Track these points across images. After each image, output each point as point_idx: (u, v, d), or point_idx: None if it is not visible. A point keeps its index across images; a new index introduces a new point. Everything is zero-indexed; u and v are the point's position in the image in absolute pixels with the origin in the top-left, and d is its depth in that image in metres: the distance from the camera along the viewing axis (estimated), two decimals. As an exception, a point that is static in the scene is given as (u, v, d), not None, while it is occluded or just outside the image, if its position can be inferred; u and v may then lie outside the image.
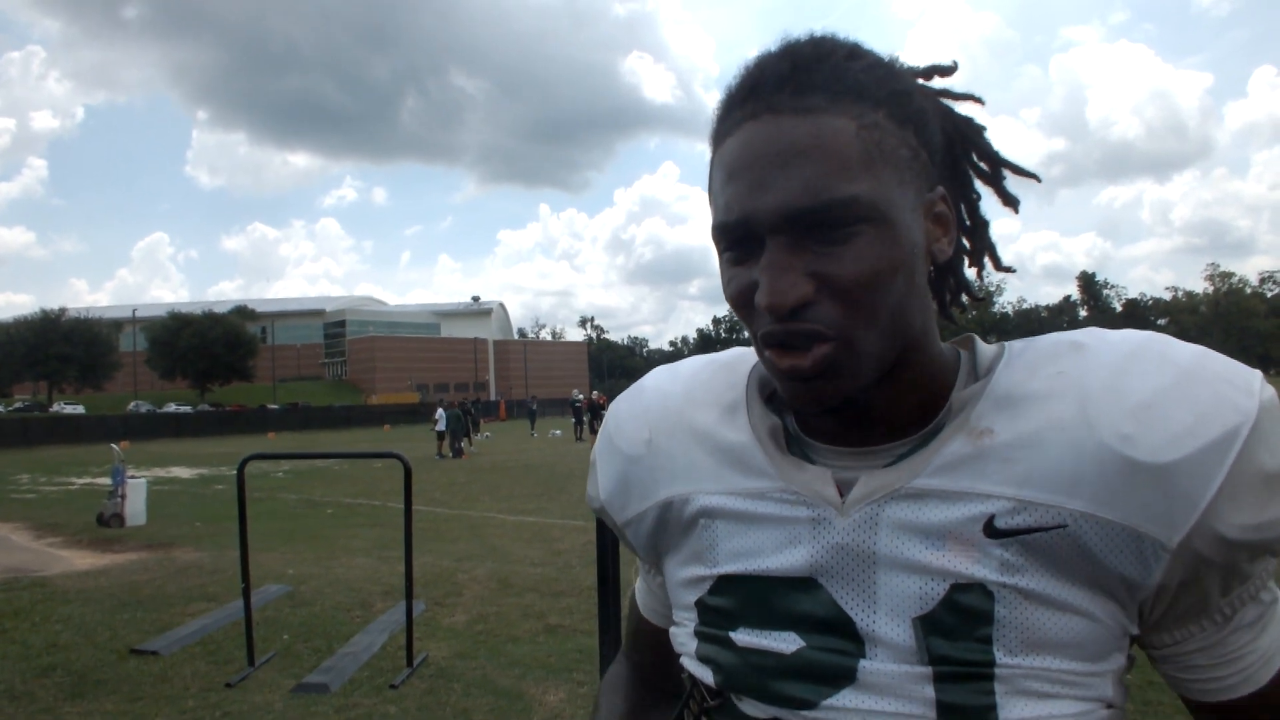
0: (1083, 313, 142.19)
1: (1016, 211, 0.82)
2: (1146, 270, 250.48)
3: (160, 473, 20.42)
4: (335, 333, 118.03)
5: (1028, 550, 0.64)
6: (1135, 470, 0.61)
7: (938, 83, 0.80)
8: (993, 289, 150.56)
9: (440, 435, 23.79)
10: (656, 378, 0.86)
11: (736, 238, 0.67)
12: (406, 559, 5.10)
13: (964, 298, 0.85)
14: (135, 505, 11.28)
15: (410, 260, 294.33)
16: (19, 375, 73.50)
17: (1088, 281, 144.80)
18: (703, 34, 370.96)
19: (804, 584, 0.70)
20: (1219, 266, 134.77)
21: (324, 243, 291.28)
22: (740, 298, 0.68)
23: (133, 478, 11.64)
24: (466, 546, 9.11)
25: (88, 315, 78.90)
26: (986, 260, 0.85)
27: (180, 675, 4.96)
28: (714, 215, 0.68)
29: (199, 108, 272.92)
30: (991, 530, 0.64)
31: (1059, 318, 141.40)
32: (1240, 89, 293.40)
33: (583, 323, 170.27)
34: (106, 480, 13.05)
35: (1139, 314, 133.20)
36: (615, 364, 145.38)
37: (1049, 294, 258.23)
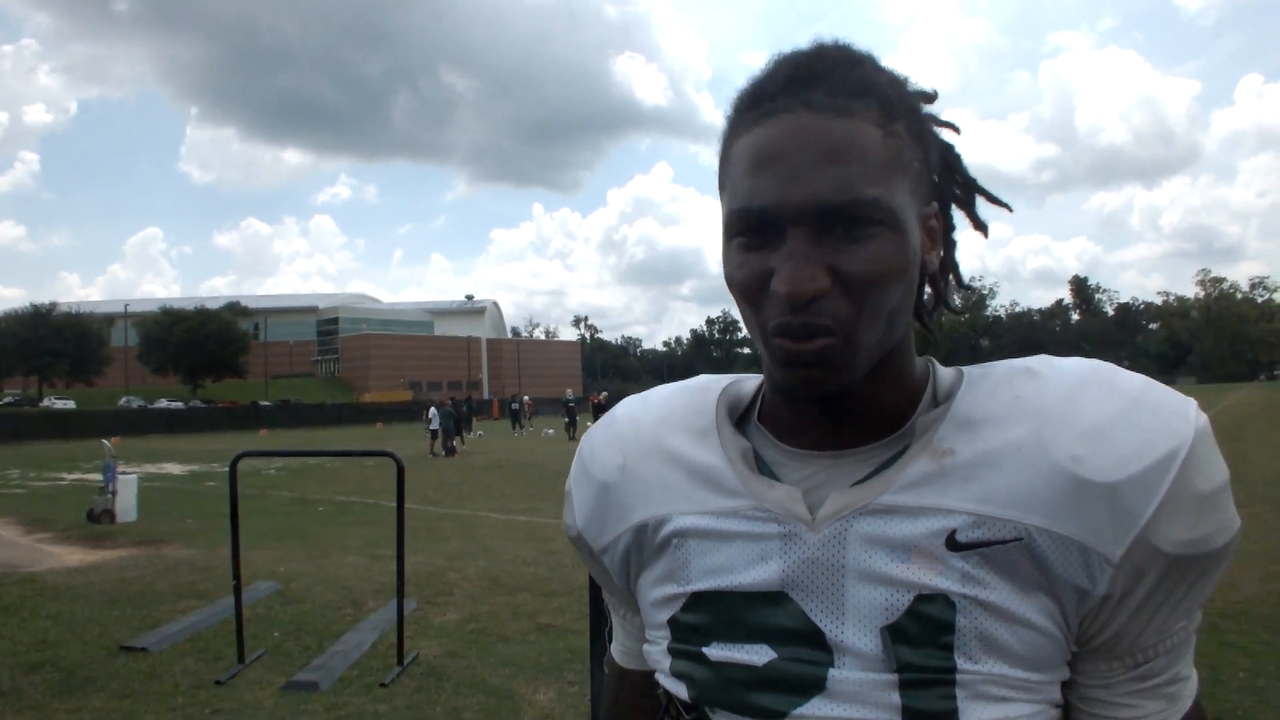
0: (1075, 316, 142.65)
1: (986, 236, 0.86)
2: (1136, 275, 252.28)
3: (151, 469, 20.33)
4: (328, 330, 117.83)
5: (987, 563, 0.67)
6: (1085, 488, 0.65)
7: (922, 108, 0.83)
8: (986, 292, 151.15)
9: (433, 434, 23.76)
10: (628, 407, 0.88)
11: (754, 225, 0.68)
12: (399, 557, 5.10)
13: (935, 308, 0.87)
14: (126, 501, 11.22)
15: (403, 258, 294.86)
16: (10, 369, 73.26)
17: (1080, 285, 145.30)
18: (696, 36, 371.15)
19: (775, 597, 0.72)
20: (1210, 272, 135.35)
21: (317, 240, 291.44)
22: (752, 284, 0.69)
23: (124, 474, 11.58)
24: (458, 545, 9.10)
25: (79, 310, 78.71)
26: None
27: (170, 672, 4.95)
28: (731, 201, 0.70)
29: (191, 103, 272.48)
30: (953, 544, 0.68)
31: (1051, 321, 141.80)
32: (1228, 97, 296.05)
33: (576, 322, 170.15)
34: (97, 476, 13.02)
35: (1131, 318, 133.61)
36: (609, 364, 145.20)
37: (1040, 298, 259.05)
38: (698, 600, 0.76)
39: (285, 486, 15.84)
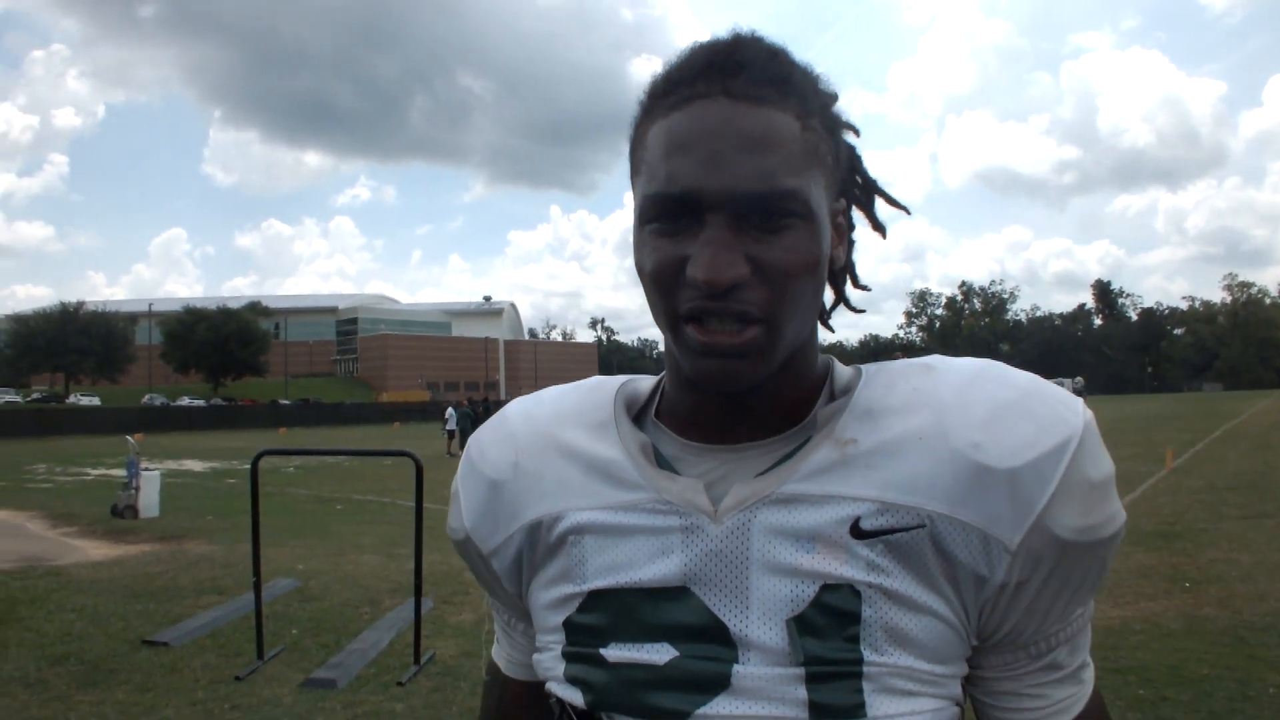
0: (1097, 321, 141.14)
1: (884, 237, 0.86)
2: (1160, 279, 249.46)
3: (173, 465, 20.54)
4: (347, 330, 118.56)
5: (891, 551, 0.67)
6: (984, 474, 0.66)
7: None
8: (1006, 296, 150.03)
9: (450, 434, 23.86)
10: (520, 404, 0.85)
11: (671, 210, 0.67)
12: (416, 557, 5.11)
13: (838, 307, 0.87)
14: (149, 497, 11.36)
15: (421, 259, 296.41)
16: (37, 366, 74.18)
17: (1103, 290, 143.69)
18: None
19: (676, 593, 0.70)
20: (1237, 276, 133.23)
21: (336, 240, 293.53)
22: (665, 270, 0.67)
23: (146, 470, 11.73)
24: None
25: (105, 309, 79.56)
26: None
27: (190, 667, 4.99)
28: (647, 185, 0.68)
29: (213, 106, 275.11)
30: (858, 531, 0.67)
31: (1073, 325, 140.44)
32: (1255, 97, 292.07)
33: (593, 324, 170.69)
34: (121, 472, 13.14)
35: (1155, 323, 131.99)
36: (625, 365, 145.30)
37: (1061, 302, 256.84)
38: (595, 599, 0.73)
39: (303, 485, 15.95)
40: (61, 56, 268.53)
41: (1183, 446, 18.84)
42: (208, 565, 7.85)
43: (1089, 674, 0.75)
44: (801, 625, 0.67)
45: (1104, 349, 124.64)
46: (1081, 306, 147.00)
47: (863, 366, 0.77)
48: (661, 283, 0.68)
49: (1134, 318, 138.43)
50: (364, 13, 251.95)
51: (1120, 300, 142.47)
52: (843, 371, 0.77)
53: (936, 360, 0.75)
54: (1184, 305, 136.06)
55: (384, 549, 8.75)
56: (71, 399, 68.55)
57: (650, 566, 0.71)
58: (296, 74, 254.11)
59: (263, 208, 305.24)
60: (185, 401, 68.59)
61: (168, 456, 23.68)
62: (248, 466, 5.38)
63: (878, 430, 0.69)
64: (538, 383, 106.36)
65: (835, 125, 0.74)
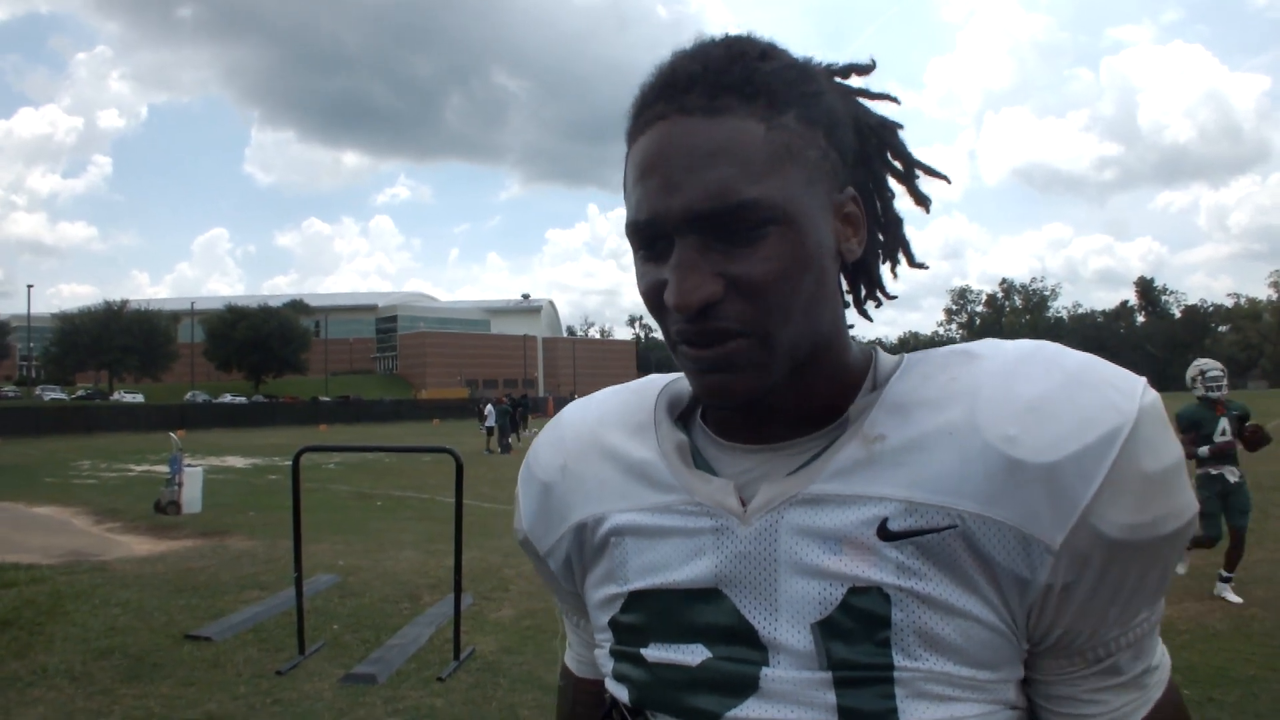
0: (1140, 318, 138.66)
1: (927, 210, 0.83)
2: (1204, 277, 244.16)
3: (215, 462, 20.86)
4: (387, 328, 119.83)
5: (923, 553, 0.64)
6: (1018, 470, 0.62)
7: (857, 81, 0.79)
8: (1047, 293, 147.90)
9: (489, 431, 24.02)
10: (572, 409, 0.86)
11: (647, 237, 0.67)
12: (456, 553, 5.12)
13: (878, 295, 0.84)
14: (191, 493, 11.52)
15: (459, 257, 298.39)
16: (82, 364, 76.01)
17: (1145, 287, 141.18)
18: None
19: (709, 594, 0.70)
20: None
21: (375, 239, 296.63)
22: (651, 295, 0.68)
23: (189, 466, 11.89)
24: (514, 541, 9.13)
25: (148, 307, 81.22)
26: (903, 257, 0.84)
27: (233, 661, 5.04)
28: (628, 213, 0.69)
29: (252, 107, 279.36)
30: (885, 533, 0.65)
31: (1116, 323, 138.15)
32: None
33: (631, 321, 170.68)
34: (164, 468, 13.37)
35: (1199, 320, 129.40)
36: (664, 363, 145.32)
37: (1101, 299, 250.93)
38: (635, 600, 0.73)
39: (343, 481, 16.11)
40: (104, 59, 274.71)
41: (1231, 446, 18.41)
42: (249, 560, 7.94)
43: (1157, 678, 0.70)
44: (828, 629, 0.65)
45: (1147, 347, 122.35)
46: (1124, 304, 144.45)
47: (907, 356, 0.73)
48: (653, 307, 0.69)
49: (1177, 315, 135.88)
50: (400, 12, 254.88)
51: (1163, 297, 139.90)
52: (885, 363, 0.74)
53: (982, 346, 0.70)
54: (1228, 302, 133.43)
55: (424, 545, 8.79)
56: (115, 396, 69.97)
57: (684, 568, 0.71)
58: (333, 74, 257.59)
59: (302, 207, 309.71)
60: (227, 399, 69.73)
61: (210, 453, 24.05)
62: (289, 463, 5.43)
63: (908, 425, 0.66)
64: (576, 380, 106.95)
65: (821, 114, 0.69)
